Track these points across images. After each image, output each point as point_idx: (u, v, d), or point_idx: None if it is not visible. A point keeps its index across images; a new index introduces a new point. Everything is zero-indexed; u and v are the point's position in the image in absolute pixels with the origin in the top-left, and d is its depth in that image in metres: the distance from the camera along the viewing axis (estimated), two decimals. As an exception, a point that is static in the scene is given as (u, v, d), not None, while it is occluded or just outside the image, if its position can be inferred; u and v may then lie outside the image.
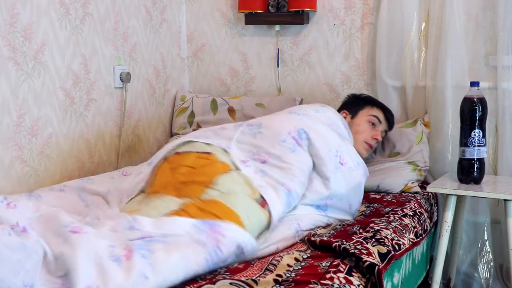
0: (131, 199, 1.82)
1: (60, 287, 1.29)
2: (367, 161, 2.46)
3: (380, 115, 2.44)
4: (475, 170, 2.21)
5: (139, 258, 1.37)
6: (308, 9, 2.80)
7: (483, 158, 2.21)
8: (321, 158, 2.00)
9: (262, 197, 1.80)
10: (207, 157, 1.89)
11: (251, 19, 2.92)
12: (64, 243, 1.38)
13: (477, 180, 2.22)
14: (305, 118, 2.12)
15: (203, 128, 2.27)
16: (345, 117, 2.40)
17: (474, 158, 2.20)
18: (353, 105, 2.47)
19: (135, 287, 1.32)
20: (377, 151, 2.59)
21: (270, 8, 2.88)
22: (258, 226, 1.73)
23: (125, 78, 2.67)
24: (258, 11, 2.87)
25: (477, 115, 2.17)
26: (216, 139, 2.02)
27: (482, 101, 2.18)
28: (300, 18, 2.83)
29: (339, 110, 2.47)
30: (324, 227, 1.94)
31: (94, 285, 1.28)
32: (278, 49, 2.95)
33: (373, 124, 2.41)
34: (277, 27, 2.91)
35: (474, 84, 2.21)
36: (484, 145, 2.20)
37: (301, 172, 1.94)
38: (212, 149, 1.94)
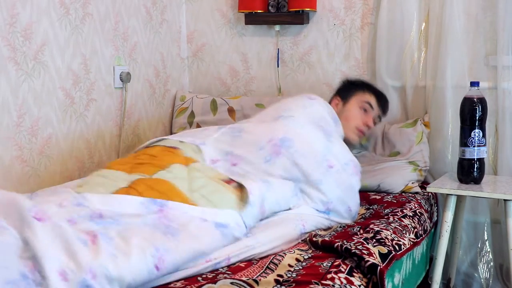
0: None
1: (31, 269, 1.27)
2: (365, 159, 2.47)
3: (373, 101, 2.37)
4: (475, 170, 2.21)
5: (105, 242, 1.37)
6: (308, 9, 2.80)
7: (483, 158, 2.21)
8: (308, 164, 1.96)
9: (230, 179, 1.81)
10: (172, 151, 1.88)
11: (251, 19, 2.92)
12: (29, 229, 1.35)
13: (477, 180, 2.22)
14: (291, 122, 2.06)
15: (190, 129, 2.24)
16: (337, 104, 2.36)
17: (474, 158, 2.20)
18: (345, 90, 2.42)
19: (108, 264, 1.31)
20: (376, 151, 2.59)
21: (270, 8, 2.88)
22: (228, 203, 1.70)
23: (125, 78, 2.67)
24: (258, 11, 2.87)
25: (477, 115, 2.17)
26: (192, 137, 2.01)
27: (482, 101, 2.18)
28: (300, 18, 2.83)
29: (332, 96, 2.43)
30: (325, 230, 1.94)
31: (67, 269, 1.27)
32: (278, 49, 2.94)
33: (365, 110, 2.35)
34: (277, 27, 2.91)
35: (474, 84, 2.21)
36: (484, 145, 2.20)
37: (269, 177, 1.91)
38: (183, 145, 1.93)
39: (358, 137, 2.35)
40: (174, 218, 1.56)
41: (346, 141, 2.25)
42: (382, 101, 2.41)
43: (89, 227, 1.44)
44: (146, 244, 1.41)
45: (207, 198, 1.69)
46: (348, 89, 2.42)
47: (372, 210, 2.15)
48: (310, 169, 1.95)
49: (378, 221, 1.96)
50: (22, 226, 1.36)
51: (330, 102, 2.37)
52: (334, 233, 1.86)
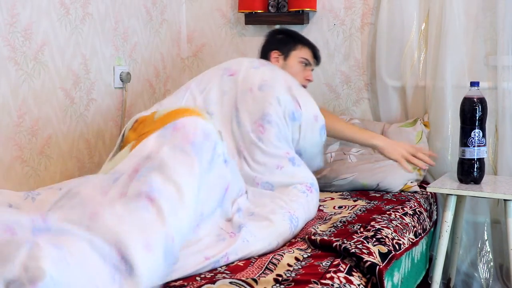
0: None
1: (117, 258, 1.24)
2: (364, 157, 2.47)
3: (310, 55, 2.39)
4: (475, 170, 2.21)
5: (164, 202, 1.38)
6: (308, 9, 2.80)
7: (483, 158, 2.21)
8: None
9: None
10: (141, 121, 1.88)
11: (251, 19, 2.92)
12: (95, 216, 1.33)
13: (477, 180, 2.22)
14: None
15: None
16: (277, 58, 2.35)
17: (474, 158, 2.20)
18: (284, 44, 2.39)
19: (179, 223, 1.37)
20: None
21: (270, 8, 2.88)
22: None
23: (125, 78, 2.67)
24: (258, 11, 2.87)
25: (477, 115, 2.17)
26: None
27: (482, 101, 2.18)
28: (300, 18, 2.83)
29: (269, 50, 2.37)
30: (322, 222, 1.93)
31: (148, 241, 1.29)
32: (278, 49, 2.94)
33: (305, 64, 2.37)
34: (277, 27, 2.91)
35: (474, 84, 2.21)
36: (484, 145, 2.20)
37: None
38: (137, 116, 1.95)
39: None
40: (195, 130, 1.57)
41: None
42: (317, 54, 2.43)
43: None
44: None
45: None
46: (286, 43, 2.39)
47: (373, 204, 2.15)
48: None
49: (379, 217, 1.96)
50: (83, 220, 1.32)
51: (268, 57, 2.35)
52: (334, 230, 1.85)
